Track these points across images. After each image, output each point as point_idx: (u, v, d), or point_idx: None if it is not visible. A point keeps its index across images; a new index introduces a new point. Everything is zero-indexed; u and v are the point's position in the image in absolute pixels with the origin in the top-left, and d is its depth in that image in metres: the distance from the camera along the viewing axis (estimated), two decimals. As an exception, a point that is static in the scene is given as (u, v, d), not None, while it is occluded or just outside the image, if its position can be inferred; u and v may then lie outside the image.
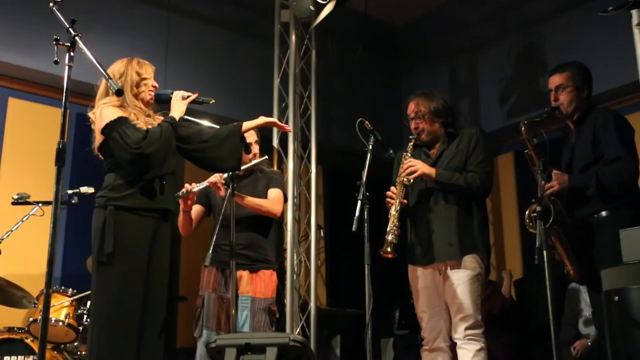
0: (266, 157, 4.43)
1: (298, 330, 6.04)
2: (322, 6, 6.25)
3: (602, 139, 3.84)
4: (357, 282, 4.16)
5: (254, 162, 4.32)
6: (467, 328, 3.84)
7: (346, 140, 7.17)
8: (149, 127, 3.46)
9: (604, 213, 3.81)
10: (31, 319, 4.81)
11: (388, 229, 3.84)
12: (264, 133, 4.72)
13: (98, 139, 3.47)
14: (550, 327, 3.45)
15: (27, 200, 4.80)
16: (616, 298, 3.10)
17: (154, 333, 3.37)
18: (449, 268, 3.93)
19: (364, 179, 3.79)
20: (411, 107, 4.13)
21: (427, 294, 4.02)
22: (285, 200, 4.51)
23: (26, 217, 4.79)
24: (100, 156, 3.54)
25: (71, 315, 4.90)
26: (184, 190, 4.02)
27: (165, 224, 3.51)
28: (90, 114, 3.56)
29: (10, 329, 4.86)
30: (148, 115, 3.57)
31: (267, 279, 4.29)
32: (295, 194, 6.39)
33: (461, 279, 3.89)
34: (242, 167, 3.92)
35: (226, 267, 4.14)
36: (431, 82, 7.58)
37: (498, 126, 6.99)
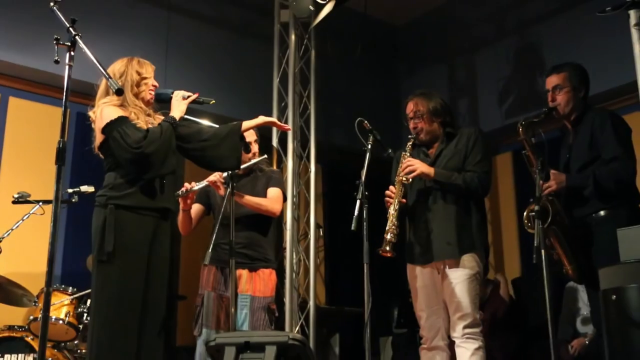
0: (265, 156, 4.45)
1: (297, 328, 6.05)
2: (322, 6, 6.26)
3: (599, 139, 3.85)
4: (356, 280, 4.17)
5: (253, 161, 4.33)
6: (465, 327, 3.84)
7: (345, 139, 7.17)
8: (149, 126, 3.47)
9: (602, 212, 3.82)
10: (31, 317, 4.81)
11: (387, 228, 3.84)
12: (263, 132, 4.73)
13: (98, 138, 3.47)
14: (548, 325, 3.47)
15: (28, 199, 4.81)
16: (614, 297, 3.11)
17: (154, 331, 3.37)
18: (447, 267, 3.94)
19: (363, 178, 3.80)
20: (410, 107, 4.14)
21: (425, 293, 4.03)
22: (285, 199, 4.52)
23: (27, 215, 4.80)
24: (101, 155, 3.54)
25: (71, 313, 4.91)
26: (183, 189, 4.03)
27: (165, 223, 3.52)
28: (90, 113, 3.56)
29: (10, 327, 4.87)
30: (148, 115, 3.57)
31: (266, 277, 4.30)
32: (294, 193, 6.40)
33: (459, 278, 3.90)
34: (242, 166, 3.93)
35: (226, 266, 4.15)
36: (430, 82, 7.60)
37: (496, 126, 7.00)
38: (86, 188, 4.87)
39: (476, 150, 4.03)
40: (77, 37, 2.90)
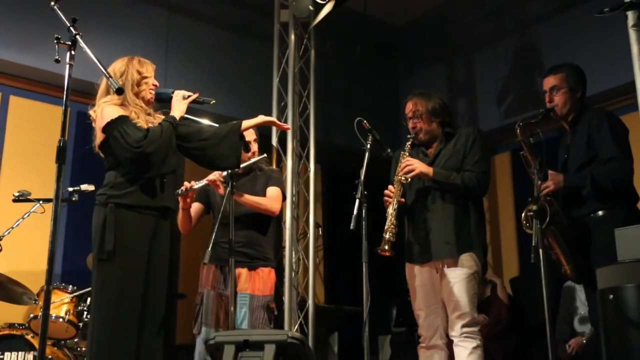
0: (265, 155, 4.46)
1: (296, 327, 6.06)
2: (321, 6, 6.26)
3: (596, 139, 3.86)
4: (355, 280, 4.19)
5: (252, 160, 4.34)
6: (463, 326, 3.86)
7: (345, 139, 7.17)
8: (150, 125, 3.48)
9: (600, 212, 3.83)
10: (32, 315, 4.82)
11: (386, 228, 3.86)
12: (263, 132, 4.74)
13: (99, 137, 3.48)
14: (546, 325, 3.48)
15: (28, 197, 4.82)
16: (611, 296, 3.12)
17: (154, 330, 3.38)
18: (445, 266, 3.95)
19: (362, 177, 3.81)
20: (409, 107, 4.16)
21: (424, 292, 4.05)
22: (284, 198, 4.53)
23: (27, 214, 4.81)
24: (101, 154, 3.55)
25: (71, 311, 4.92)
26: (183, 188, 4.04)
27: (165, 222, 3.52)
28: (91, 112, 3.57)
29: (10, 325, 4.87)
30: (148, 114, 3.59)
31: (265, 276, 4.31)
32: (293, 192, 6.41)
33: (458, 277, 3.91)
34: (241, 165, 3.94)
35: (225, 265, 4.16)
36: (429, 82, 7.61)
37: (495, 126, 7.01)
38: (86, 187, 4.89)
39: (475, 150, 4.05)
40: (77, 37, 2.90)
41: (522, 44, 6.98)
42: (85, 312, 4.92)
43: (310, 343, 5.84)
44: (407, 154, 4.09)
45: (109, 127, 3.39)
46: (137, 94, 3.57)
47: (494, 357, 5.39)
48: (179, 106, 3.62)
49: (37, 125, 5.91)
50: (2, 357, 4.64)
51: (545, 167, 3.82)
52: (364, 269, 3.70)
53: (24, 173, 5.70)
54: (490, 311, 5.76)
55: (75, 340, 5.02)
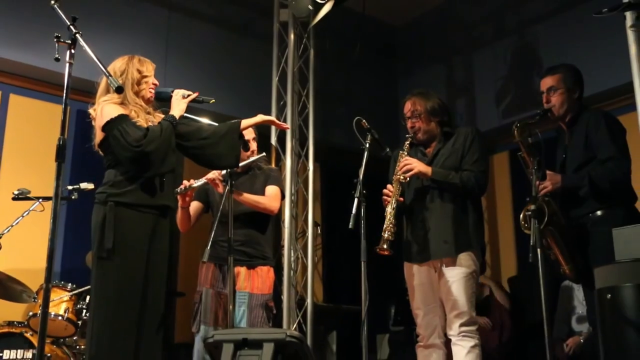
0: (264, 154, 4.47)
1: (295, 326, 6.07)
2: (321, 6, 6.27)
3: (594, 140, 3.87)
4: (353, 278, 4.18)
5: (252, 158, 4.35)
6: (461, 325, 3.87)
7: (343, 138, 7.17)
8: (150, 124, 3.49)
9: (598, 213, 3.83)
10: (31, 313, 4.83)
11: (384, 227, 3.87)
12: (262, 131, 4.75)
13: (98, 135, 3.49)
14: (543, 324, 3.49)
15: (28, 195, 4.83)
16: (609, 296, 3.13)
17: (153, 328, 3.39)
18: (444, 265, 3.96)
19: (361, 176, 3.81)
20: (407, 106, 4.17)
21: (422, 291, 4.06)
22: (283, 197, 4.54)
23: (26, 212, 4.81)
24: (101, 153, 3.55)
25: (70, 309, 4.92)
26: (182, 186, 4.05)
27: (164, 220, 3.53)
28: (90, 111, 3.58)
29: (10, 323, 4.88)
30: (148, 113, 3.59)
31: (264, 275, 4.32)
32: (292, 191, 6.42)
33: (456, 276, 3.92)
34: (240, 164, 3.95)
35: (224, 263, 4.17)
36: (428, 82, 7.61)
37: (494, 125, 7.02)
38: (86, 185, 4.89)
39: (473, 150, 4.05)
40: (77, 35, 2.91)
41: (521, 44, 6.99)
42: (85, 311, 4.92)
43: (308, 342, 5.85)
44: (406, 153, 4.10)
45: (108, 126, 3.40)
46: (137, 93, 3.58)
47: (491, 356, 5.39)
48: (178, 105, 3.63)
49: (37, 123, 5.91)
50: (1, 355, 4.64)
51: (544, 167, 3.82)
52: (362, 268, 3.71)
53: (24, 171, 5.70)
54: (492, 315, 5.76)
55: (75, 338, 5.02)
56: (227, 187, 3.95)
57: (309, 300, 6.22)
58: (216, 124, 3.81)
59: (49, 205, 4.57)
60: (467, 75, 7.56)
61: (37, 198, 4.84)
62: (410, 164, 3.97)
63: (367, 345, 3.64)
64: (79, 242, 5.62)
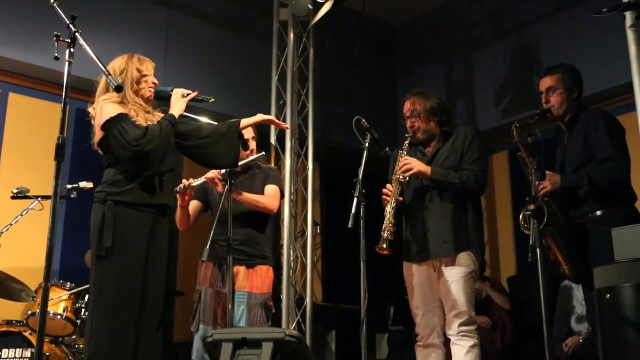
0: (263, 153, 4.47)
1: (294, 325, 6.07)
2: (320, 5, 6.27)
3: (593, 139, 3.87)
4: (352, 278, 4.18)
5: (251, 157, 4.35)
6: (460, 324, 3.86)
7: (343, 137, 7.18)
8: (149, 123, 3.48)
9: (598, 212, 3.83)
10: (29, 312, 4.83)
11: (384, 226, 3.86)
12: (261, 130, 4.74)
13: (98, 134, 3.48)
14: (542, 324, 3.49)
15: (27, 194, 4.82)
16: (608, 296, 3.13)
17: (152, 327, 3.39)
18: (443, 265, 3.96)
19: (360, 176, 3.81)
20: (407, 106, 4.17)
21: (421, 291, 4.05)
22: (282, 196, 4.53)
23: (25, 211, 4.81)
24: (100, 151, 3.55)
25: (69, 308, 4.92)
26: (181, 185, 4.05)
27: (163, 219, 3.53)
28: (90, 110, 3.57)
29: (8, 322, 4.88)
30: (147, 112, 3.59)
31: (263, 274, 4.32)
32: (292, 190, 6.42)
33: (455, 276, 3.91)
34: (240, 163, 3.94)
35: (223, 262, 4.17)
36: (427, 81, 7.62)
37: (493, 125, 7.02)
38: (85, 184, 4.89)
39: (472, 149, 4.05)
40: (76, 34, 2.91)
41: (520, 43, 6.99)
42: (83, 309, 4.92)
43: (307, 341, 5.85)
44: (405, 152, 4.09)
45: (107, 125, 3.40)
46: (136, 92, 3.58)
47: (491, 356, 5.39)
48: (178, 104, 3.62)
49: (36, 122, 5.91)
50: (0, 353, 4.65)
51: (543, 166, 3.82)
52: (361, 268, 3.70)
53: (23, 170, 5.70)
54: (491, 314, 5.75)
55: (73, 337, 5.02)
56: (227, 186, 3.95)
57: (308, 300, 6.22)
58: (215, 123, 3.81)
59: (48, 204, 4.57)
60: (466, 74, 7.56)
61: (36, 197, 4.84)
62: (409, 164, 3.97)
63: (366, 344, 3.63)
64: (78, 240, 5.62)
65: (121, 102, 3.49)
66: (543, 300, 3.48)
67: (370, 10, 7.06)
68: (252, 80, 6.91)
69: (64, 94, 2.86)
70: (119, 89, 3.04)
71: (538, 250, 3.52)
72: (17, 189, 4.83)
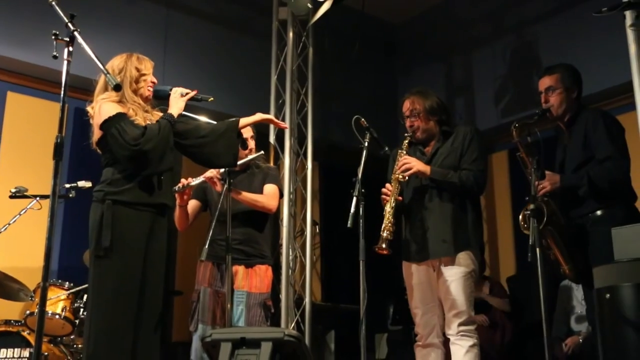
0: (262, 152, 4.46)
1: (293, 325, 6.07)
2: (320, 4, 6.26)
3: (592, 139, 3.86)
4: (351, 277, 4.18)
5: (250, 157, 4.34)
6: (460, 324, 3.86)
7: (342, 137, 7.18)
8: (148, 122, 3.48)
9: (598, 212, 3.83)
10: (28, 312, 4.81)
11: (383, 226, 3.86)
12: (260, 129, 4.74)
13: (96, 133, 3.48)
14: (542, 324, 3.49)
15: (25, 193, 4.81)
16: (607, 295, 3.12)
17: (150, 327, 3.39)
18: (443, 264, 3.95)
19: (360, 175, 3.81)
20: (406, 105, 4.16)
21: (421, 290, 4.05)
22: (281, 195, 4.53)
23: (24, 210, 4.80)
24: (99, 151, 3.55)
25: (68, 308, 4.91)
26: (180, 184, 4.05)
27: (162, 219, 3.52)
28: (89, 109, 3.57)
29: (7, 322, 4.87)
30: (146, 111, 3.58)
31: (262, 274, 4.32)
32: (291, 190, 6.42)
33: (455, 276, 3.91)
34: (239, 162, 3.94)
35: (222, 262, 4.16)
36: (427, 80, 7.61)
37: (493, 124, 7.02)
38: (84, 183, 4.88)
39: (472, 149, 4.05)
40: (75, 33, 2.91)
41: (520, 43, 6.99)
42: (82, 309, 4.91)
43: (306, 341, 5.84)
44: (405, 152, 4.09)
45: (106, 124, 3.39)
46: (135, 91, 3.57)
47: (490, 356, 5.39)
48: (177, 103, 3.62)
49: (35, 121, 5.90)
50: (-2, 353, 4.65)
51: (543, 166, 3.82)
52: (361, 267, 3.70)
53: (21, 169, 5.69)
54: (490, 314, 5.75)
55: (72, 337, 5.01)
56: (225, 186, 3.95)
57: (307, 299, 6.22)
58: (214, 122, 3.80)
59: (46, 203, 4.56)
60: (466, 74, 7.56)
61: (35, 196, 4.83)
62: (409, 163, 3.96)
63: (366, 344, 3.63)
64: (76, 240, 5.62)
65: (120, 101, 3.48)
66: (543, 300, 3.47)
67: (369, 9, 7.06)
68: (251, 80, 6.91)
69: (62, 93, 2.86)
70: (117, 88, 3.04)
71: (538, 250, 3.52)
72: (16, 188, 4.82)
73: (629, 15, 3.88)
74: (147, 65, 3.64)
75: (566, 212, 3.92)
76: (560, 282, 5.52)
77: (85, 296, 4.84)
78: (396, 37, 8.37)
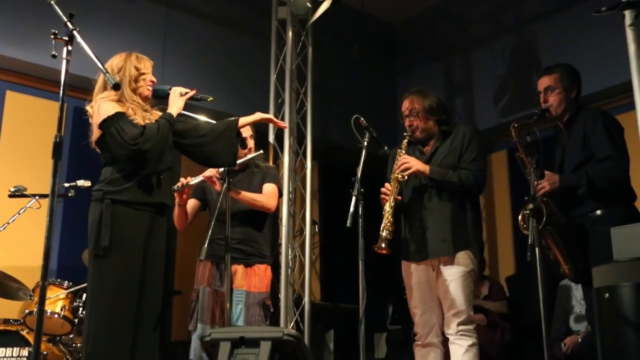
0: (261, 151, 4.46)
1: (292, 324, 6.07)
2: (319, 3, 6.27)
3: (591, 139, 3.86)
4: (351, 277, 4.17)
5: (249, 156, 4.34)
6: (459, 324, 3.86)
7: (341, 136, 7.19)
8: (147, 122, 3.48)
9: (598, 212, 3.83)
10: (27, 311, 4.82)
11: (382, 225, 3.86)
12: (260, 128, 4.74)
13: (95, 133, 3.48)
14: (541, 323, 3.49)
15: (24, 193, 4.81)
16: (607, 295, 3.12)
17: (149, 326, 3.39)
18: (442, 264, 3.95)
19: (359, 174, 3.80)
20: (405, 105, 4.16)
21: (420, 290, 4.05)
22: (280, 195, 4.53)
23: (23, 209, 4.80)
24: (98, 150, 3.55)
25: (67, 307, 4.91)
26: (179, 184, 4.05)
27: (161, 218, 3.53)
28: (88, 108, 3.57)
29: (6, 321, 4.86)
30: (146, 110, 3.58)
31: (261, 273, 4.32)
32: (290, 189, 6.41)
33: (454, 275, 3.91)
34: (238, 162, 3.94)
35: (221, 261, 4.16)
36: (426, 80, 7.62)
37: (492, 124, 7.03)
38: (83, 182, 4.88)
39: (471, 148, 4.05)
40: (74, 32, 2.90)
41: (519, 42, 6.99)
42: (81, 308, 4.91)
43: (306, 340, 5.84)
44: (404, 151, 4.09)
45: (105, 124, 3.39)
46: (134, 90, 3.57)
47: (489, 355, 5.39)
48: (176, 103, 3.62)
49: (34, 120, 5.90)
50: (-3, 352, 4.65)
51: (542, 166, 3.82)
52: (360, 267, 3.70)
53: (20, 168, 5.68)
54: (489, 314, 5.74)
55: (71, 336, 5.01)
56: (225, 185, 3.94)
57: (306, 299, 6.21)
58: (214, 122, 3.80)
59: (45, 202, 4.56)
60: (465, 73, 7.56)
61: (34, 195, 4.82)
62: (408, 163, 3.96)
63: (365, 343, 3.63)
64: (75, 239, 5.62)
65: (119, 101, 3.48)
66: (542, 300, 3.47)
67: (369, 8, 7.06)
68: (251, 79, 6.91)
69: (61, 92, 2.86)
70: (117, 87, 3.03)
71: (537, 249, 3.51)
72: (15, 187, 4.82)
73: (628, 15, 3.88)
74: (147, 65, 3.63)
75: (566, 212, 3.91)
76: (560, 281, 5.52)
77: (84, 295, 4.85)
78: (396, 37, 8.37)
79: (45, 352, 4.68)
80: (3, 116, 5.84)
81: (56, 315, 4.87)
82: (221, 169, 4.08)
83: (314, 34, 6.80)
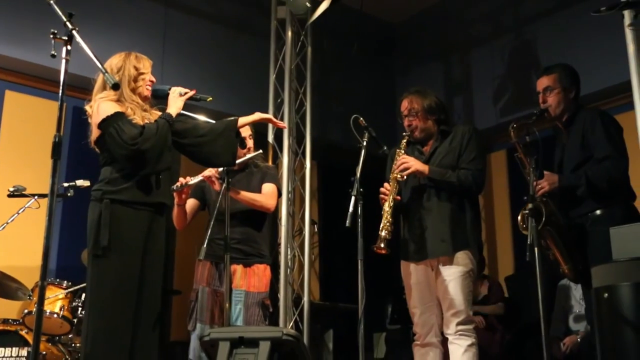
0: (261, 151, 4.45)
1: (291, 324, 6.07)
2: (319, 3, 6.27)
3: (590, 139, 3.87)
4: (350, 277, 4.17)
5: (248, 156, 4.34)
6: (458, 323, 3.86)
7: (341, 136, 7.19)
8: (146, 122, 3.47)
9: (597, 212, 3.83)
10: (26, 311, 4.81)
11: (381, 225, 3.86)
12: (259, 128, 4.74)
13: (94, 132, 3.47)
14: (540, 323, 3.49)
15: (23, 192, 4.81)
16: (606, 295, 3.12)
17: (148, 326, 3.38)
18: (441, 264, 3.95)
19: (358, 174, 3.80)
20: (404, 105, 4.16)
21: (419, 290, 4.05)
22: (280, 195, 4.52)
23: (22, 209, 4.80)
24: (97, 150, 3.54)
25: (66, 307, 4.91)
26: (178, 183, 4.05)
27: (160, 218, 3.52)
28: (87, 108, 3.57)
29: (5, 321, 4.86)
30: (145, 110, 3.58)
31: (261, 273, 4.32)
32: (289, 189, 6.41)
33: (453, 275, 3.91)
34: (237, 161, 3.94)
35: (220, 261, 4.16)
36: (425, 80, 7.62)
37: (491, 124, 7.03)
38: (82, 182, 4.87)
39: (470, 148, 4.05)
40: (74, 32, 2.90)
41: (518, 42, 6.99)
42: (80, 308, 4.91)
43: (305, 340, 5.84)
44: (403, 151, 4.09)
45: (104, 124, 3.39)
46: (133, 90, 3.56)
47: (488, 355, 5.39)
48: (175, 103, 3.61)
49: (33, 120, 5.90)
50: (-4, 352, 4.65)
51: (541, 166, 3.82)
52: (359, 266, 3.69)
53: (19, 168, 5.68)
54: (488, 315, 5.75)
55: (70, 336, 5.01)
56: (224, 185, 3.94)
57: (305, 299, 6.22)
58: (213, 122, 3.80)
59: (44, 202, 4.55)
60: (464, 73, 7.56)
61: (33, 195, 4.82)
62: (407, 162, 3.96)
63: (364, 343, 3.63)
64: (74, 239, 5.62)
65: (118, 100, 3.48)
66: (541, 300, 3.47)
67: (368, 8, 7.06)
68: (250, 79, 6.91)
69: (60, 91, 2.85)
70: (116, 86, 3.03)
71: (536, 249, 3.51)
72: (14, 187, 4.81)
73: (627, 15, 3.89)
74: (146, 64, 3.63)
75: (565, 212, 3.92)
76: (559, 281, 5.52)
77: (83, 295, 4.85)
78: (395, 36, 8.37)
79: (44, 352, 4.67)
80: (2, 116, 5.83)
81: (55, 315, 4.86)
82: (220, 169, 4.08)
83: (313, 34, 6.80)
